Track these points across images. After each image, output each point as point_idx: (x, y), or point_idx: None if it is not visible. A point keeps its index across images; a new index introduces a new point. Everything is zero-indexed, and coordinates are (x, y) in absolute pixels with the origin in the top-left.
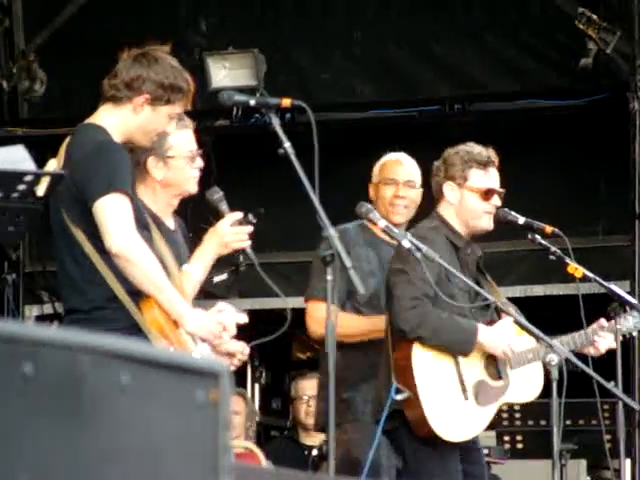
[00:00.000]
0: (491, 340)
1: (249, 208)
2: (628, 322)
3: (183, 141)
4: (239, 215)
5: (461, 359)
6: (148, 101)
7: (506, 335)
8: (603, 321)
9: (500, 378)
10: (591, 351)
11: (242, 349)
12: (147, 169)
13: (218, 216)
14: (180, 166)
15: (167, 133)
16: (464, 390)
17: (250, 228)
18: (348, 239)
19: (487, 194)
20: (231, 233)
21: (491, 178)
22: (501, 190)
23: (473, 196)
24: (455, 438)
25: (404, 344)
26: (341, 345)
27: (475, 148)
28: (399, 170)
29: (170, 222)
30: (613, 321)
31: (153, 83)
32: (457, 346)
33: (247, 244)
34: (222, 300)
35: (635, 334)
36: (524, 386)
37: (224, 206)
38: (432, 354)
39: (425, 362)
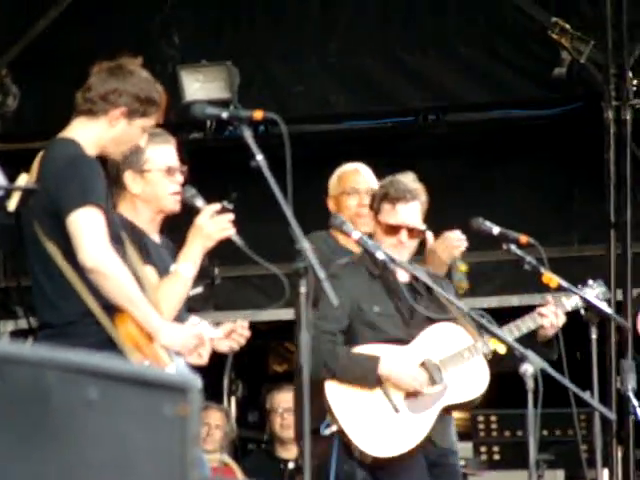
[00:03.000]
0: (395, 374)
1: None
2: (572, 300)
3: (160, 155)
4: (216, 206)
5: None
6: (124, 114)
7: (409, 367)
8: (549, 298)
9: (435, 383)
10: (546, 324)
11: (240, 324)
12: (125, 183)
13: (196, 213)
14: (156, 180)
15: (141, 147)
16: (393, 405)
17: (230, 215)
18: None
19: (391, 229)
20: (212, 223)
21: (399, 214)
22: (413, 226)
23: (380, 229)
24: (393, 452)
25: (320, 385)
26: None
27: (396, 182)
28: (359, 179)
29: (155, 237)
30: (555, 298)
31: (129, 96)
32: (359, 382)
33: (232, 231)
34: (197, 313)
35: (582, 311)
36: (465, 384)
37: (199, 202)
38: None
39: (341, 392)
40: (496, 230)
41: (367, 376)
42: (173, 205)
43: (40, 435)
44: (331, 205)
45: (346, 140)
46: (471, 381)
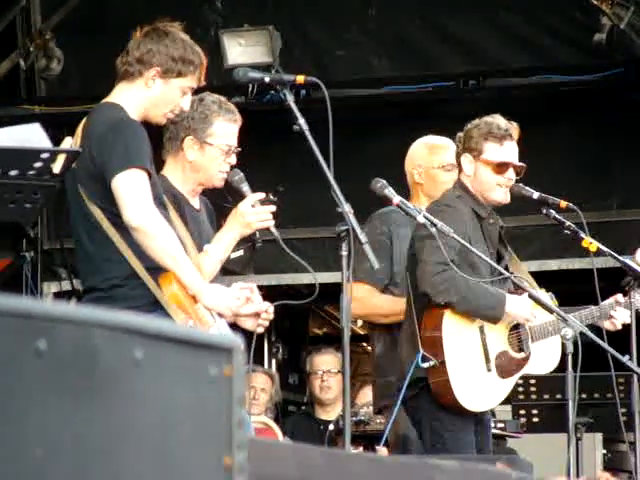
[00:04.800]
0: (517, 308)
1: (265, 183)
2: None
3: (225, 132)
4: (260, 195)
5: (487, 330)
6: (159, 74)
7: (529, 304)
8: (619, 297)
9: (522, 350)
10: (607, 325)
11: (266, 308)
12: (183, 146)
13: (239, 197)
14: (214, 155)
15: (210, 116)
16: (487, 361)
17: (272, 207)
18: (392, 220)
19: (500, 167)
20: (253, 213)
21: (506, 151)
22: (519, 164)
23: (487, 169)
24: (475, 408)
25: (434, 314)
26: (390, 327)
27: (495, 121)
28: (452, 155)
29: (195, 202)
30: (628, 297)
31: (163, 55)
32: (487, 311)
33: (271, 223)
34: (238, 276)
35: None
36: (542, 358)
37: (245, 187)
38: (461, 325)
39: (454, 332)
40: (536, 195)
41: (497, 305)
42: (219, 182)
43: (88, 394)
44: (416, 175)
45: (387, 104)
46: (547, 356)
